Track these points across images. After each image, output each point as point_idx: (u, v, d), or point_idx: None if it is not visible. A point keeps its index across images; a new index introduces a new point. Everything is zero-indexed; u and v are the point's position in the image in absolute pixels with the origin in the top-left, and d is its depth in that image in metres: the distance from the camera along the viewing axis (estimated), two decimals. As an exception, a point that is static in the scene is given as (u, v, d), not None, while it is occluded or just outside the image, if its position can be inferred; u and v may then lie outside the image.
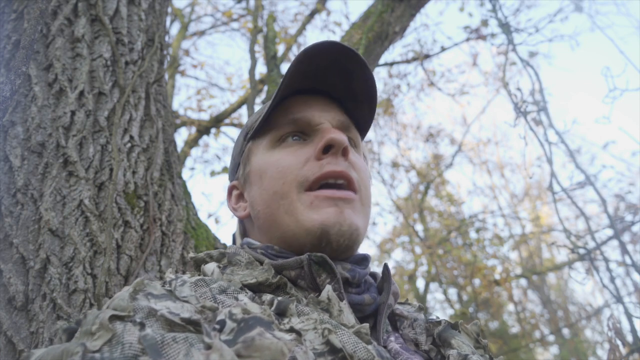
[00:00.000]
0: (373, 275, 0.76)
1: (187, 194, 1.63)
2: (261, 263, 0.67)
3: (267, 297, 0.59)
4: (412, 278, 7.17)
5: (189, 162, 5.73)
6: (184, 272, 0.73)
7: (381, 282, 0.72)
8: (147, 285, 0.55)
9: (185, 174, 5.98)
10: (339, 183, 0.68)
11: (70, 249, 1.20)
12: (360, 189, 0.70)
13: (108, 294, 1.18)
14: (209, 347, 0.45)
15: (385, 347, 0.63)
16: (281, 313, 0.55)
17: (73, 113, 1.38)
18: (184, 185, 1.64)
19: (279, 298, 0.57)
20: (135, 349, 0.44)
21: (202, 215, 6.64)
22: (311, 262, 0.63)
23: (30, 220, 1.22)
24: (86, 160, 1.33)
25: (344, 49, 0.70)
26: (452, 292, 7.77)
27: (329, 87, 0.76)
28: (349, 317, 0.58)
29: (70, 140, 1.34)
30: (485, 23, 4.46)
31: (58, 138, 1.33)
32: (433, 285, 7.38)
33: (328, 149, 0.68)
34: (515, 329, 8.47)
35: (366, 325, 0.55)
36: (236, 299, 0.57)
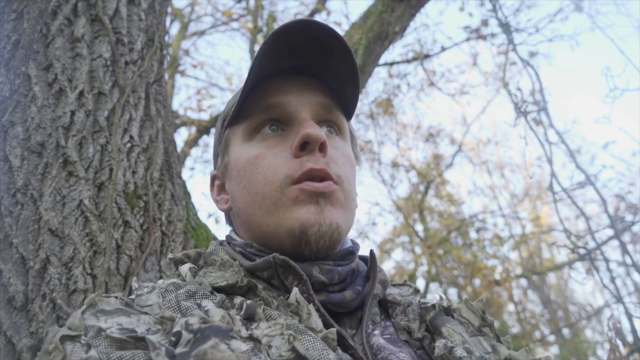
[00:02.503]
0: (364, 259, 0.74)
1: (187, 194, 1.63)
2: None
3: (238, 300, 0.58)
4: (412, 278, 7.17)
5: (189, 162, 5.73)
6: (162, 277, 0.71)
7: (369, 269, 0.70)
8: (99, 301, 0.54)
9: (185, 174, 5.98)
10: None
11: (70, 249, 1.20)
12: (342, 183, 0.68)
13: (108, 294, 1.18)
14: None
15: (368, 342, 0.61)
16: (249, 317, 0.54)
17: (73, 113, 1.38)
18: (184, 185, 1.64)
19: (248, 302, 0.56)
20: None
21: (202, 215, 6.65)
22: (276, 265, 0.62)
23: (30, 220, 1.21)
24: (86, 160, 1.33)
25: (321, 26, 0.66)
26: (452, 292, 7.76)
27: (309, 64, 0.71)
28: (317, 321, 0.56)
29: (70, 140, 1.34)
30: (485, 23, 4.46)
31: (58, 138, 1.33)
32: (433, 285, 7.37)
33: (304, 145, 0.66)
34: (515, 329, 8.48)
35: (333, 330, 0.54)
36: (199, 305, 0.55)
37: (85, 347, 0.47)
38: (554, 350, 8.72)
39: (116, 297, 0.57)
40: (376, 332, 0.63)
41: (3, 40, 1.47)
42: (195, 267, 0.67)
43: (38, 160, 1.30)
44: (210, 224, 6.97)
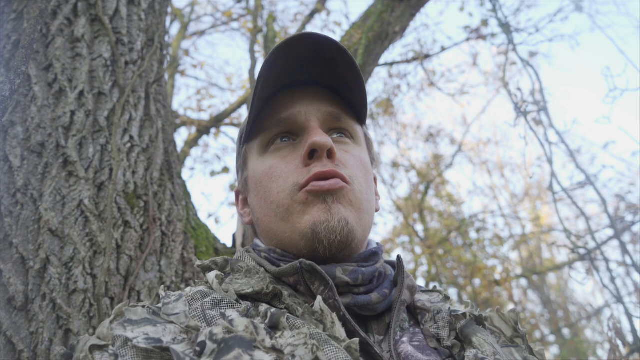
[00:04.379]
0: (392, 264, 0.74)
1: (187, 194, 1.63)
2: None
3: (263, 308, 0.58)
4: (412, 278, 7.17)
5: (189, 162, 5.74)
6: (189, 281, 0.71)
7: (396, 275, 0.70)
8: (126, 311, 0.56)
9: (185, 174, 5.98)
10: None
11: (70, 249, 1.20)
12: (353, 182, 0.69)
13: (108, 294, 1.18)
14: None
15: (395, 350, 0.61)
16: (273, 326, 0.54)
17: (73, 113, 1.37)
18: (184, 185, 1.64)
19: (272, 310, 0.57)
20: None
21: (202, 215, 6.64)
22: (303, 270, 0.63)
23: (30, 220, 1.21)
24: (86, 160, 1.33)
25: (320, 38, 0.69)
26: (452, 292, 7.76)
27: (315, 76, 0.74)
28: (341, 330, 0.56)
29: (70, 140, 1.34)
30: (485, 23, 4.46)
31: (58, 138, 1.33)
32: (433, 286, 7.37)
33: (313, 153, 0.68)
34: (515, 329, 8.44)
35: (356, 340, 0.54)
36: (223, 315, 0.56)
37: (113, 358, 0.49)
38: (554, 350, 8.72)
39: (143, 306, 0.58)
40: (404, 339, 0.63)
41: (3, 40, 1.47)
42: (222, 274, 0.68)
43: (38, 160, 1.30)
44: (210, 224, 6.97)
